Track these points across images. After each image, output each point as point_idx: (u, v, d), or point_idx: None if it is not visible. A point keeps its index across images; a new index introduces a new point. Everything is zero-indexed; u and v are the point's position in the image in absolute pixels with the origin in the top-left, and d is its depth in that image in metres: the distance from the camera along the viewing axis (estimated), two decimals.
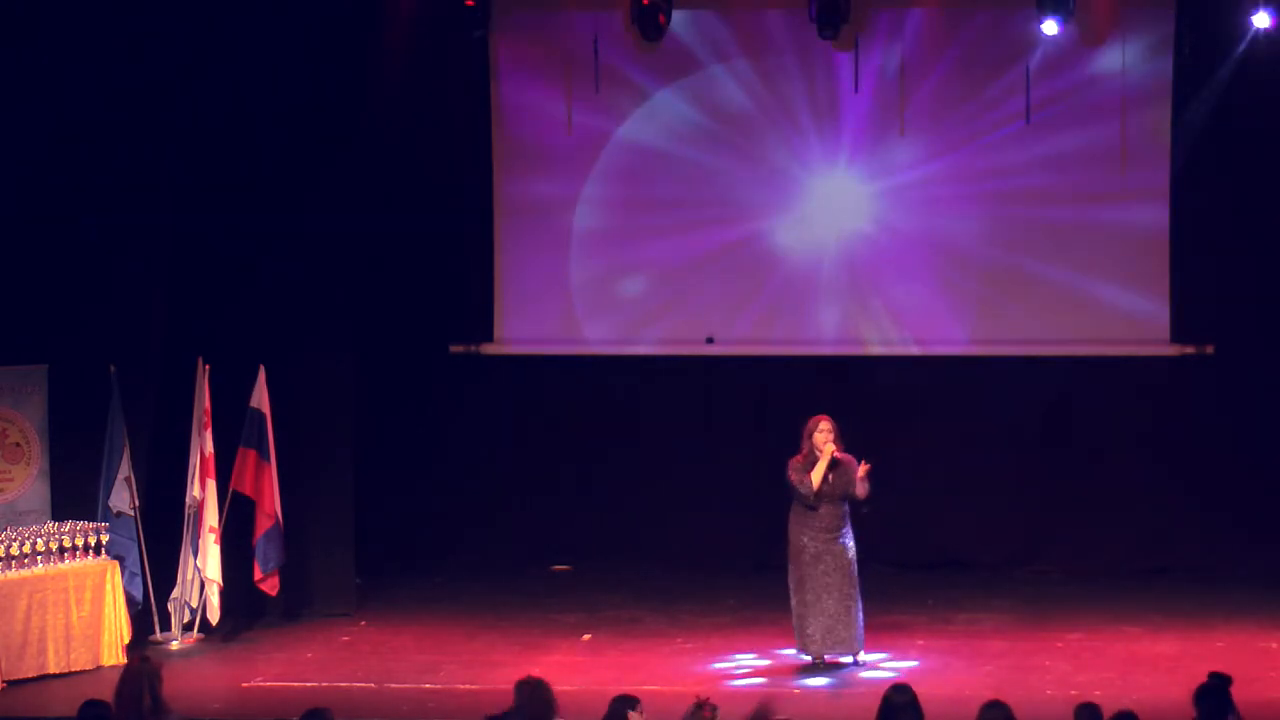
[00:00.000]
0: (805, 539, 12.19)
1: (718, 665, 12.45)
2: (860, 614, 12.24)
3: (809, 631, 12.17)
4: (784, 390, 15.30)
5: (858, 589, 12.23)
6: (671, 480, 15.65)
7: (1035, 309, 15.22)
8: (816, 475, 12.08)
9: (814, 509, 12.15)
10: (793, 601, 12.23)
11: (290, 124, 13.96)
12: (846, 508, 12.24)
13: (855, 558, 12.26)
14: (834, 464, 12.11)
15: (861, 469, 12.13)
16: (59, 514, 12.91)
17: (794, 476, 12.14)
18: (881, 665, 12.29)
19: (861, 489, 12.15)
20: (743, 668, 12.38)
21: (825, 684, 11.85)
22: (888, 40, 15.14)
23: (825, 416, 12.19)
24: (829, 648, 12.16)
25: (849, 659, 12.24)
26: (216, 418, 13.23)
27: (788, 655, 12.45)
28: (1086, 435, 15.34)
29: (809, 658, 12.21)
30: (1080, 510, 15.36)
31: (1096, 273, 15.12)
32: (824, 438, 12.09)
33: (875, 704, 8.18)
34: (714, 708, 7.73)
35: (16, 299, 13.26)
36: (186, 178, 13.77)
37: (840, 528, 12.20)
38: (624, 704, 8.00)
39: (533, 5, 15.46)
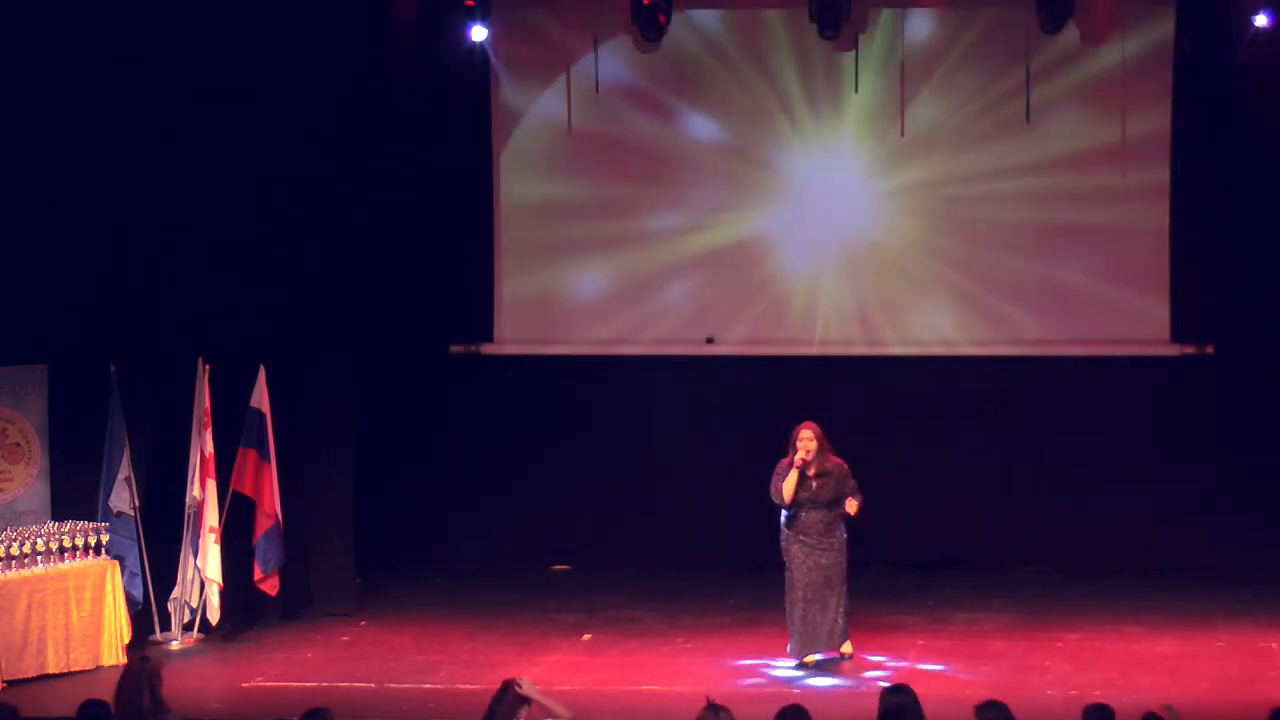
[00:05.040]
0: (794, 544, 12.23)
1: (719, 666, 12.47)
2: (842, 613, 12.22)
3: (792, 636, 12.26)
4: (784, 390, 15.29)
5: (843, 588, 12.22)
6: (671, 480, 15.66)
7: (1035, 309, 15.22)
8: (788, 488, 12.06)
9: (795, 516, 12.16)
10: (785, 602, 12.30)
11: (290, 122, 13.96)
12: (837, 512, 12.22)
13: (844, 562, 12.25)
14: (822, 472, 12.09)
15: (851, 507, 12.19)
16: (59, 514, 12.91)
17: (773, 484, 12.15)
18: (881, 665, 12.29)
19: (852, 508, 12.19)
20: (742, 668, 12.39)
21: (823, 685, 11.85)
22: (888, 40, 15.14)
23: (809, 424, 12.14)
24: (807, 649, 12.22)
25: (847, 649, 12.30)
26: (216, 418, 13.24)
27: (786, 656, 12.47)
28: (1087, 435, 15.33)
29: (794, 659, 12.26)
30: (1080, 510, 15.36)
31: (1096, 273, 15.12)
32: (801, 447, 12.07)
33: (874, 704, 8.17)
34: (728, 712, 7.68)
35: (16, 299, 13.25)
36: (186, 178, 13.77)
37: (828, 533, 12.18)
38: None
39: (533, 5, 15.46)
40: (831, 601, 12.19)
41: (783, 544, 12.28)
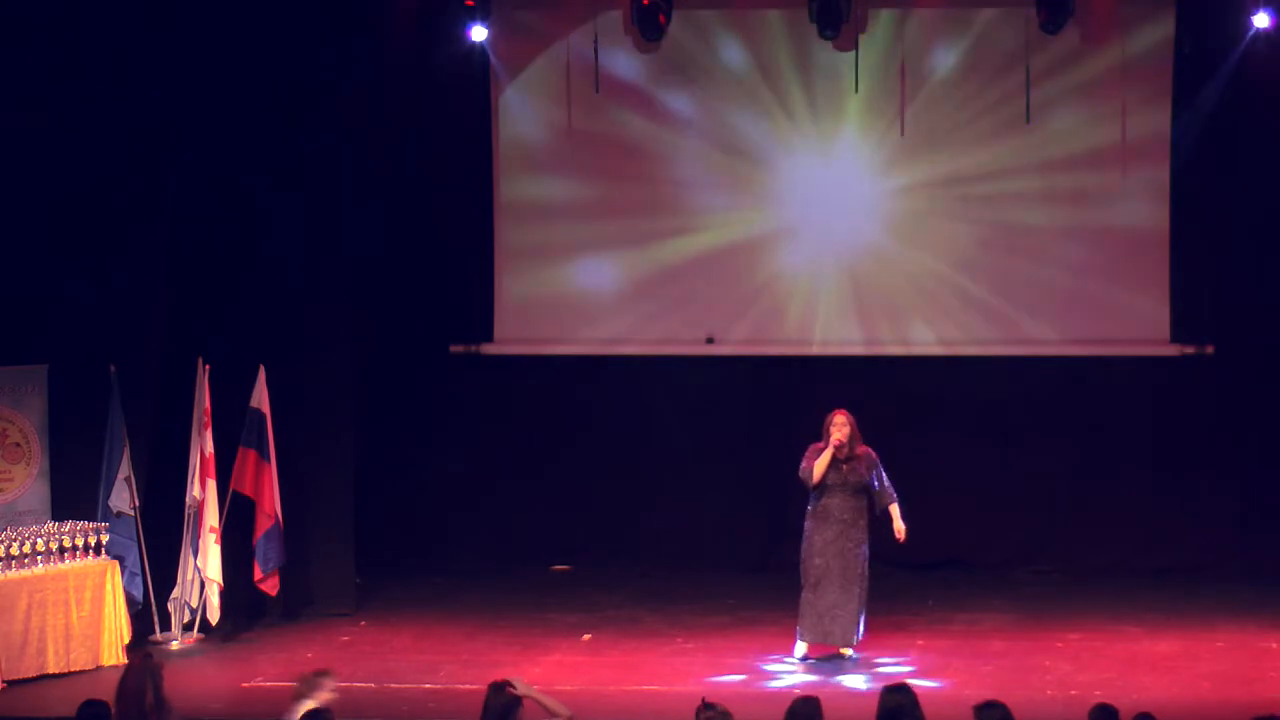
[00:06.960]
0: (815, 531, 12.26)
1: (719, 666, 12.46)
2: (862, 610, 12.25)
3: (804, 620, 12.27)
4: (784, 390, 15.31)
5: (863, 584, 12.26)
6: (671, 480, 15.65)
7: (1035, 309, 15.22)
8: (819, 467, 12.11)
9: (821, 499, 12.20)
10: (801, 590, 12.32)
11: (290, 122, 13.96)
12: (863, 502, 12.27)
13: (867, 553, 12.29)
14: (850, 457, 12.15)
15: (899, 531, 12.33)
16: (59, 514, 12.91)
17: (803, 463, 12.21)
18: (881, 665, 12.29)
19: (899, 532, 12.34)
20: (742, 668, 12.39)
21: (822, 684, 11.84)
22: (888, 40, 15.14)
23: (842, 411, 12.23)
24: (819, 637, 12.25)
25: (848, 651, 12.29)
26: (216, 418, 13.23)
27: (787, 656, 12.46)
28: (1086, 435, 15.34)
29: (803, 646, 12.27)
30: (1080, 510, 15.36)
31: (1096, 273, 15.12)
32: (835, 432, 12.14)
33: (874, 704, 8.17)
34: (725, 711, 7.67)
35: (16, 299, 13.25)
36: (186, 177, 13.76)
37: (853, 521, 12.23)
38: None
39: (533, 5, 15.47)
40: (847, 596, 12.18)
41: (805, 530, 12.30)
